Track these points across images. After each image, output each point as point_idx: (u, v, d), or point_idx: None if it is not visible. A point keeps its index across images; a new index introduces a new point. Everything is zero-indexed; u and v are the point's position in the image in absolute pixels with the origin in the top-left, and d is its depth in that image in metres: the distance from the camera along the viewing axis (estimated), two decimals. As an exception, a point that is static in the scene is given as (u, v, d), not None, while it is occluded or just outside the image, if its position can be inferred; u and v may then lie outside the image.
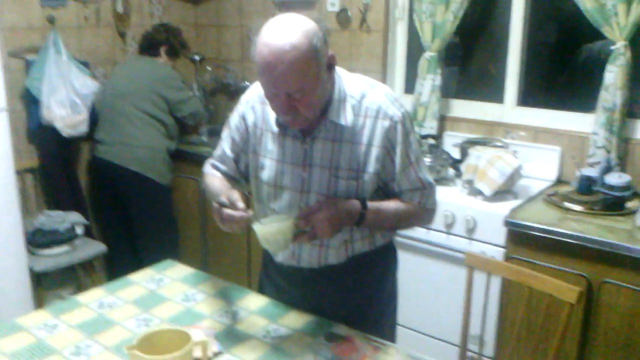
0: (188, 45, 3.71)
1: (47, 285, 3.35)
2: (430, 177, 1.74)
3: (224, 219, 1.57)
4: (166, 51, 3.53)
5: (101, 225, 3.81)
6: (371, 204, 1.65)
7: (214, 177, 1.86)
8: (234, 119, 1.82)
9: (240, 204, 1.56)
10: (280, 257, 1.82)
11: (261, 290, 1.98)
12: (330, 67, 1.57)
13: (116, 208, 3.56)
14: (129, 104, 3.38)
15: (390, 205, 1.70)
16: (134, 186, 3.44)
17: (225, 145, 1.85)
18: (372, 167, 1.65)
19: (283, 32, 1.46)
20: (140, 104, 3.37)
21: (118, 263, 3.57)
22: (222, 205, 1.57)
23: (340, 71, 1.67)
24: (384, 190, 1.72)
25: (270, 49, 1.45)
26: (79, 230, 3.36)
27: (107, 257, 3.79)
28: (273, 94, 1.52)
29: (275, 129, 1.69)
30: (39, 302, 3.16)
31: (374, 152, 1.64)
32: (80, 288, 3.58)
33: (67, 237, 3.28)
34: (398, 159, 1.66)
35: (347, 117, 1.63)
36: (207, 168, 1.91)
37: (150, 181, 3.43)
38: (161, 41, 3.52)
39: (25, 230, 3.01)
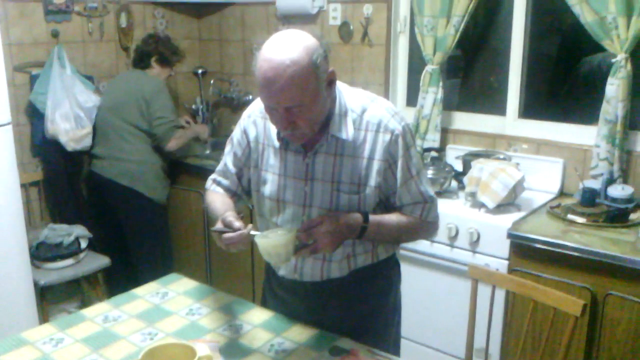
0: (179, 51, 3.67)
1: (51, 299, 3.36)
2: (431, 191, 1.75)
3: (226, 244, 1.59)
4: (157, 61, 3.52)
5: (98, 238, 3.80)
6: (373, 218, 1.66)
7: (214, 195, 1.87)
8: (236, 133, 1.84)
9: (237, 224, 1.58)
10: (282, 271, 1.82)
11: (264, 303, 1.99)
12: (331, 84, 1.58)
13: (111, 221, 3.57)
14: (118, 118, 3.40)
15: (392, 218, 1.71)
16: (125, 201, 3.46)
17: (228, 160, 1.87)
18: (373, 180, 1.66)
19: (283, 48, 1.47)
20: (128, 117, 3.38)
21: (116, 276, 3.58)
22: (220, 232, 1.60)
23: (341, 85, 1.68)
24: (386, 204, 1.72)
25: (270, 64, 1.47)
26: (84, 243, 3.36)
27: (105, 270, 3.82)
28: (272, 108, 1.53)
29: (276, 143, 1.70)
30: (44, 316, 3.16)
31: (375, 165, 1.65)
32: (85, 301, 3.58)
33: (71, 251, 3.29)
34: (399, 173, 1.66)
35: (348, 131, 1.64)
36: (209, 184, 1.93)
37: (141, 196, 3.43)
38: (150, 52, 3.51)
39: (29, 243, 3.02)
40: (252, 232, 1.59)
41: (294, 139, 1.61)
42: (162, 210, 3.63)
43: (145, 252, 3.52)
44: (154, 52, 3.51)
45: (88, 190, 3.76)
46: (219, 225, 1.62)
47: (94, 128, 3.50)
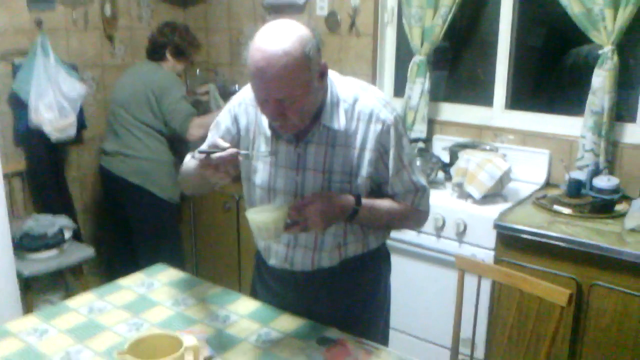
0: (196, 41, 3.48)
1: (35, 290, 3.32)
2: (423, 180, 1.75)
3: (216, 164, 1.52)
4: (171, 52, 3.34)
5: (105, 231, 3.82)
6: (365, 201, 1.66)
7: (190, 161, 1.80)
8: (224, 119, 1.80)
9: (224, 144, 1.53)
10: (273, 260, 1.81)
11: (254, 294, 1.98)
12: (322, 76, 1.57)
13: (119, 217, 3.51)
14: (128, 114, 3.29)
15: (384, 203, 1.71)
16: (134, 198, 3.36)
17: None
18: (365, 170, 1.65)
19: (276, 38, 1.46)
20: (138, 114, 3.26)
21: (121, 272, 3.52)
22: (208, 153, 1.52)
23: (332, 75, 1.67)
24: (377, 194, 1.72)
25: (263, 54, 1.45)
26: (68, 234, 3.32)
27: (109, 265, 3.82)
28: (263, 98, 1.52)
29: (268, 132, 1.69)
30: (28, 307, 3.13)
31: (367, 155, 1.64)
32: (69, 292, 3.55)
33: (55, 241, 3.25)
34: (391, 163, 1.66)
35: (340, 121, 1.63)
36: (187, 158, 1.84)
37: (151, 195, 3.32)
38: (164, 43, 3.33)
39: (13, 234, 2.99)
40: (242, 152, 1.56)
41: (285, 130, 1.60)
42: (173, 210, 3.49)
43: (150, 250, 3.36)
44: (168, 42, 3.33)
45: (98, 183, 3.72)
46: (205, 147, 1.54)
47: (84, 117, 3.44)
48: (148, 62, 3.41)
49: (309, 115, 1.59)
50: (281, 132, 1.65)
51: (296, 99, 1.49)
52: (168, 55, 3.35)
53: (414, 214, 1.77)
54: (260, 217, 1.56)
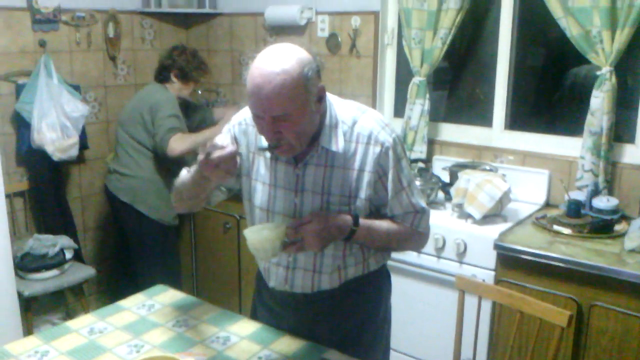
0: (204, 65, 3.46)
1: (36, 310, 3.32)
2: (423, 202, 1.75)
3: (216, 163, 1.53)
4: (177, 75, 3.34)
5: (106, 251, 3.84)
6: (363, 221, 1.66)
7: (185, 174, 1.80)
8: (223, 139, 1.81)
9: (223, 143, 1.54)
10: (273, 282, 1.81)
11: (254, 315, 1.98)
12: (320, 100, 1.58)
13: (121, 236, 3.53)
14: (125, 132, 3.31)
15: (383, 224, 1.71)
16: (126, 217, 3.37)
17: None
18: (364, 192, 1.66)
19: (276, 58, 1.48)
20: (132, 131, 3.28)
21: (122, 292, 3.51)
22: (207, 154, 1.53)
23: (331, 97, 1.69)
24: (376, 216, 1.73)
25: (261, 71, 1.47)
26: (69, 254, 3.33)
27: (110, 285, 3.82)
28: (259, 116, 1.53)
29: (267, 153, 1.70)
30: (28, 327, 3.13)
31: (366, 177, 1.65)
32: (70, 313, 3.55)
33: (56, 261, 3.25)
34: (390, 184, 1.67)
35: (338, 143, 1.64)
36: (182, 173, 1.83)
37: (140, 214, 3.30)
38: (170, 65, 3.34)
39: (14, 254, 2.99)
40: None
41: (281, 152, 1.60)
42: (165, 231, 3.42)
43: (147, 270, 3.33)
44: (174, 65, 3.33)
45: (100, 203, 3.77)
46: (206, 148, 1.54)
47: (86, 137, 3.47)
48: (154, 84, 3.42)
49: (306, 138, 1.60)
50: (278, 155, 1.65)
51: (292, 118, 1.50)
52: (173, 78, 3.35)
53: (414, 236, 1.76)
54: (257, 236, 1.56)
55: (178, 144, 3.12)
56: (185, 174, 1.79)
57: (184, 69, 3.35)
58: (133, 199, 3.30)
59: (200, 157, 1.57)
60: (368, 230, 1.67)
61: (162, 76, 3.38)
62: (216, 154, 1.53)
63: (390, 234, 1.72)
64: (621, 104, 2.71)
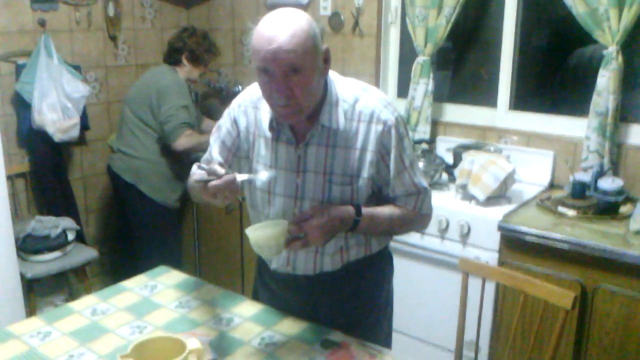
0: (215, 48, 3.45)
1: (38, 292, 3.33)
2: (425, 182, 1.74)
3: (213, 192, 1.51)
4: (187, 58, 3.32)
5: (108, 232, 3.83)
6: (365, 210, 1.64)
7: (197, 174, 1.80)
8: (224, 122, 1.79)
9: (220, 170, 1.51)
10: (275, 264, 1.81)
11: (255, 297, 1.97)
12: (326, 61, 1.57)
13: (123, 217, 3.52)
14: (131, 112, 3.29)
15: (385, 210, 1.69)
16: (128, 198, 3.37)
17: (214, 149, 1.81)
18: (366, 172, 1.64)
19: (284, 14, 1.49)
20: (138, 111, 3.26)
21: (124, 274, 3.51)
22: (204, 181, 1.52)
23: (333, 75, 1.66)
24: (379, 196, 1.71)
25: (272, 25, 1.46)
26: (71, 235, 3.33)
27: (112, 266, 3.82)
28: (270, 72, 1.48)
29: (268, 134, 1.68)
30: (31, 309, 3.13)
31: (368, 157, 1.63)
32: (72, 294, 3.56)
33: (58, 243, 3.25)
34: (392, 164, 1.65)
35: (339, 121, 1.62)
36: (194, 169, 1.83)
37: (142, 195, 3.30)
38: (180, 47, 3.31)
39: (16, 235, 2.99)
40: (239, 177, 1.53)
41: (288, 112, 1.54)
42: (167, 213, 3.42)
43: (148, 252, 3.33)
44: (184, 48, 3.31)
45: (102, 184, 3.76)
46: (202, 176, 1.53)
47: (87, 118, 3.45)
48: (163, 66, 3.40)
49: (313, 99, 1.57)
50: (283, 120, 1.61)
51: (303, 73, 1.48)
52: (184, 60, 3.33)
53: (416, 218, 1.75)
54: (261, 234, 1.54)
55: (185, 140, 3.16)
56: (195, 170, 1.76)
57: (195, 51, 3.32)
58: (136, 179, 3.29)
59: (199, 172, 1.55)
60: (371, 219, 1.65)
61: (172, 59, 3.35)
62: (212, 183, 1.50)
63: (393, 219, 1.70)
64: (627, 83, 2.68)
